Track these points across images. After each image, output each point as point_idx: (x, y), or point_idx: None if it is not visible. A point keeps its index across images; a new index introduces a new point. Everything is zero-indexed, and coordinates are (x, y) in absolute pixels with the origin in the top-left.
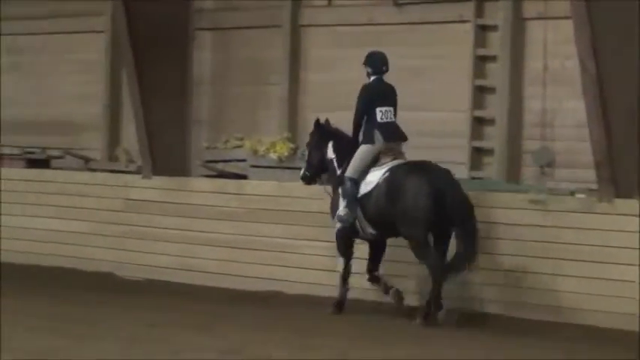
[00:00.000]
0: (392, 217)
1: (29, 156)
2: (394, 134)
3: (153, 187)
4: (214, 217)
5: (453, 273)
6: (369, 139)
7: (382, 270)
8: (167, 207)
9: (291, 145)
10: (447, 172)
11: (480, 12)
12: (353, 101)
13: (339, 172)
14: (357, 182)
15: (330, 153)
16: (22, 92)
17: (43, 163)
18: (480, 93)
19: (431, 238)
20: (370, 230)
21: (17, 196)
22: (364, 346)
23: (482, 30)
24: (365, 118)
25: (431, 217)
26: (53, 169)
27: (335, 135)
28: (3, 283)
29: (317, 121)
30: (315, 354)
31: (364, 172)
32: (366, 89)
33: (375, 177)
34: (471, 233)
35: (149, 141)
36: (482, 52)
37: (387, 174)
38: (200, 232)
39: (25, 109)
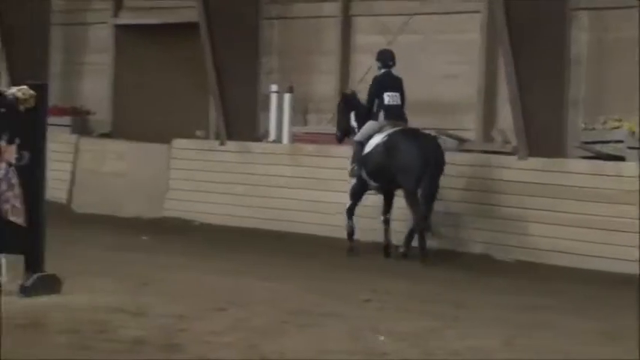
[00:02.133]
0: (390, 171)
1: None
2: (395, 115)
3: (528, 169)
4: (589, 198)
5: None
6: (375, 117)
7: None
8: (541, 188)
9: None
10: (434, 138)
11: None
12: None
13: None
14: (362, 144)
15: (353, 122)
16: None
17: None
18: None
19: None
20: (372, 183)
21: None
22: None
23: None
24: (376, 101)
25: (419, 171)
26: None
27: (357, 107)
28: (370, 265)
29: (343, 94)
30: None
31: (369, 137)
32: (375, 79)
33: (375, 140)
34: (433, 193)
35: (525, 122)
36: None
37: (385, 138)
38: (573, 213)
39: None
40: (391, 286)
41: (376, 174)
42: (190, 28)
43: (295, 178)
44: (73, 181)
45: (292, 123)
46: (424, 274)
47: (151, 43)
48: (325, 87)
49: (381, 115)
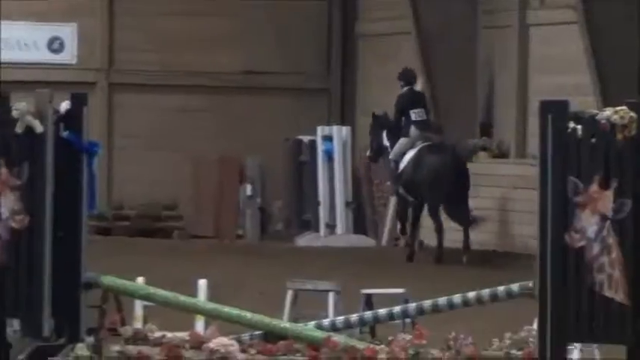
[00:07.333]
0: (417, 185)
1: None
2: (427, 128)
3: None
4: None
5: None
6: (406, 134)
7: None
8: None
9: None
10: (454, 148)
11: None
12: None
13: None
14: (397, 162)
15: (385, 141)
16: None
17: None
18: None
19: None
20: (410, 198)
21: None
22: None
23: None
24: (403, 118)
25: (438, 185)
26: None
27: (388, 126)
28: None
29: (374, 114)
30: None
31: (402, 154)
32: (400, 98)
33: (408, 156)
34: (464, 201)
35: None
36: None
37: (415, 154)
38: None
39: None
40: None
41: (409, 189)
42: None
43: None
44: None
45: None
46: None
47: None
48: None
49: (412, 129)
